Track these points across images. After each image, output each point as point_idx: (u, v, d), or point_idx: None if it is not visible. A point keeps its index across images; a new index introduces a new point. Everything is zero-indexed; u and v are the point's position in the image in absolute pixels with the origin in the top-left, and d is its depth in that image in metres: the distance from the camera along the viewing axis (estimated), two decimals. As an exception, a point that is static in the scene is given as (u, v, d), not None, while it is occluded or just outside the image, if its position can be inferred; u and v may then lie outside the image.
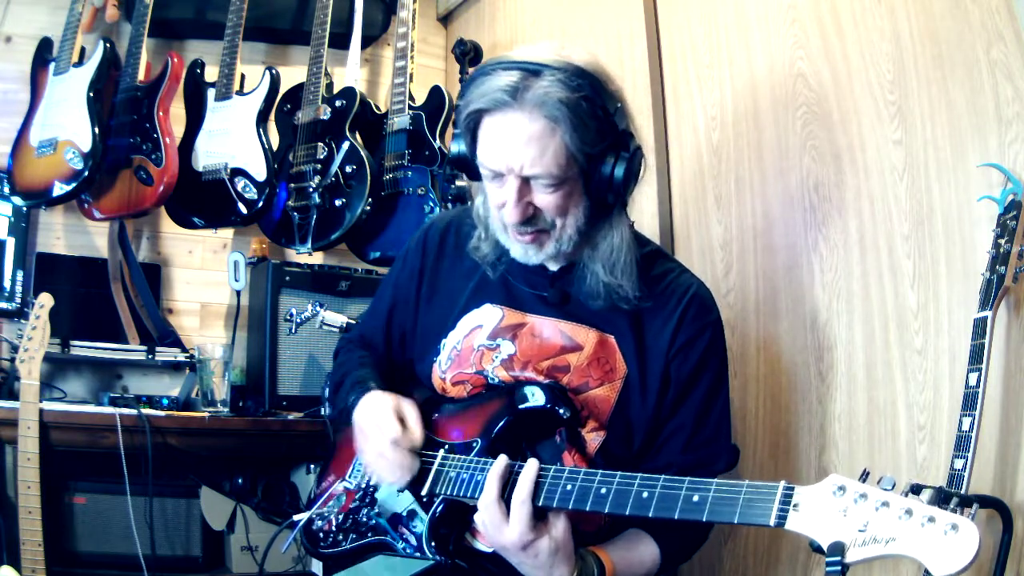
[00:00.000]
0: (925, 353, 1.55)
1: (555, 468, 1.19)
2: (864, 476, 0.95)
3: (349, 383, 1.48)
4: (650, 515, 1.08)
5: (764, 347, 1.89)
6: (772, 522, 0.97)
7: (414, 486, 1.33)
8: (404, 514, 1.34)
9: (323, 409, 2.40)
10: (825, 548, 0.92)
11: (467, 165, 1.36)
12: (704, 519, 1.04)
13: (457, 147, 1.36)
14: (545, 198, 1.29)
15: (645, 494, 1.09)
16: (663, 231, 2.14)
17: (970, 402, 1.30)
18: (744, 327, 1.93)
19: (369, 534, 1.39)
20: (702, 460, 1.34)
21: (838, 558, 0.90)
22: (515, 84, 1.24)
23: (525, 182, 1.28)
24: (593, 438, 1.37)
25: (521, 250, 1.36)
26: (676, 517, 1.06)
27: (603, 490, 1.13)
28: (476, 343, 1.43)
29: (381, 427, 1.34)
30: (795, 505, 0.97)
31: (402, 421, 1.35)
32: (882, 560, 0.92)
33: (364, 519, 1.40)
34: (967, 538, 0.84)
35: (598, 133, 1.27)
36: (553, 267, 1.44)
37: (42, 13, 2.67)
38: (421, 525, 1.31)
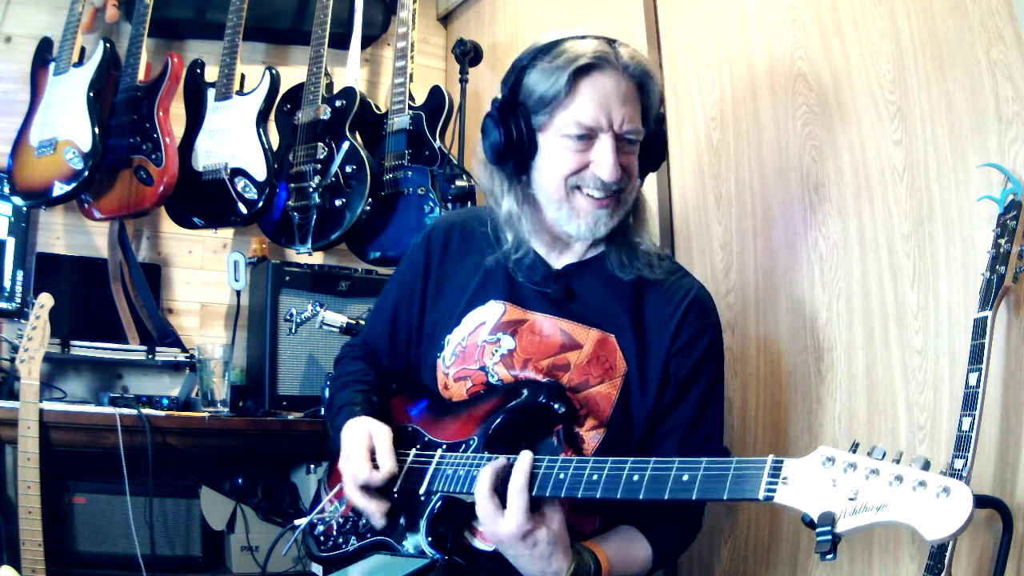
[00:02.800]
0: (925, 353, 1.55)
1: (548, 458, 1.19)
2: (854, 447, 0.94)
3: (337, 405, 1.49)
4: (640, 497, 1.07)
5: (764, 347, 1.88)
6: (761, 496, 0.96)
7: (413, 485, 1.33)
8: (403, 513, 1.34)
9: (323, 409, 2.40)
10: (815, 519, 0.90)
11: (521, 141, 1.36)
12: (694, 497, 1.03)
13: (512, 126, 1.35)
14: (628, 158, 1.36)
15: (635, 477, 1.09)
16: (663, 231, 2.14)
17: (970, 402, 1.30)
18: (744, 327, 1.93)
19: (369, 535, 1.38)
20: None
21: (828, 528, 0.89)
22: (605, 46, 1.32)
23: (618, 140, 1.32)
24: (592, 436, 1.37)
25: (592, 220, 1.36)
26: (667, 497, 1.05)
27: (595, 476, 1.13)
28: (480, 339, 1.43)
29: (352, 465, 1.35)
30: (784, 478, 0.95)
31: (373, 457, 1.35)
32: (879, 529, 0.90)
33: (365, 520, 1.40)
34: (960, 501, 0.83)
35: (659, 103, 1.37)
36: (558, 265, 1.45)
37: (42, 13, 2.67)
38: (420, 523, 1.31)
